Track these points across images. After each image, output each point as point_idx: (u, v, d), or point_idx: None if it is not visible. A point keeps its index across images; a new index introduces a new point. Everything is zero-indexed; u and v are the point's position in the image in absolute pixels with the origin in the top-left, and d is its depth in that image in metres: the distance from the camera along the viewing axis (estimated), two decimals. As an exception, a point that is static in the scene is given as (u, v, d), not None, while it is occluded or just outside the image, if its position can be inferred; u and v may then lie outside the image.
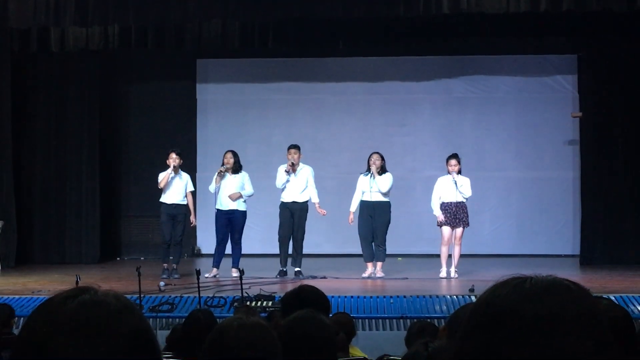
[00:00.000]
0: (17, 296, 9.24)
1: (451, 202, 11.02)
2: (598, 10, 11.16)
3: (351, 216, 11.28)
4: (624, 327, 3.01)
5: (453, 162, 11.06)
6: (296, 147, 11.40)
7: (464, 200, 11.06)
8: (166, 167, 11.35)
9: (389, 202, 11.18)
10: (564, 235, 13.84)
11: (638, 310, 8.82)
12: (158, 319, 8.60)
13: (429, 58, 14.18)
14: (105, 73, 13.98)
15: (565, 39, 13.57)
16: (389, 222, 11.17)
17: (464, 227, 11.03)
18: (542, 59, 14.04)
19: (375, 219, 11.11)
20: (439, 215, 11.03)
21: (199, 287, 8.48)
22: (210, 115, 14.47)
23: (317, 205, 11.33)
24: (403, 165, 13.70)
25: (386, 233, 11.13)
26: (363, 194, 11.18)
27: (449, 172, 11.09)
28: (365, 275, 11.08)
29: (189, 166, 13.27)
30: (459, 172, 11.08)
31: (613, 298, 8.37)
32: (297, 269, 11.20)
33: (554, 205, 13.97)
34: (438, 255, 11.19)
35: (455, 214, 11.00)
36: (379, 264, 11.14)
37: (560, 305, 1.18)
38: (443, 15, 11.07)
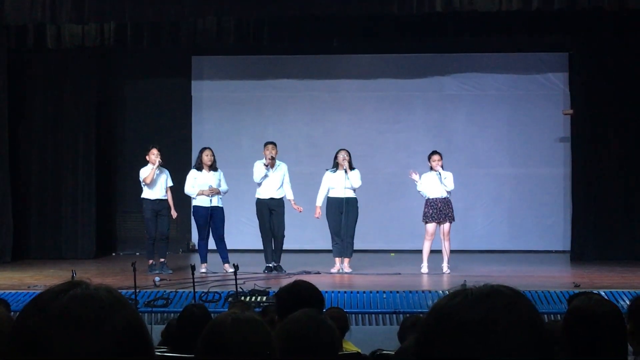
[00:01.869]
0: (13, 291, 9.29)
1: (437, 198, 11.11)
2: (589, 9, 11.27)
3: (318, 210, 11.27)
4: (614, 321, 3.07)
5: (436, 157, 11.17)
6: (273, 143, 11.46)
7: (448, 196, 11.16)
8: (146, 162, 11.40)
9: (357, 197, 11.23)
10: (555, 231, 13.92)
11: (628, 305, 8.90)
12: (153, 314, 8.68)
13: (422, 56, 14.26)
14: (101, 70, 14.03)
15: (556, 37, 13.62)
16: (357, 218, 11.21)
17: (450, 222, 11.13)
18: (534, 56, 14.11)
19: (345, 215, 11.12)
20: (416, 177, 11.10)
21: (193, 282, 8.54)
22: (205, 112, 14.52)
23: (292, 202, 11.36)
24: (396, 161, 13.78)
25: (355, 229, 11.17)
26: (330, 190, 11.24)
27: (431, 168, 11.19)
28: (334, 270, 11.10)
29: (184, 162, 13.35)
30: (442, 168, 11.19)
31: (603, 293, 8.45)
32: (277, 264, 11.25)
33: (545, 202, 14.05)
34: (432, 251, 11.22)
35: (441, 209, 11.08)
36: (347, 260, 11.19)
37: (496, 310, 1.29)
38: (436, 13, 11.15)
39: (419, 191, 11.21)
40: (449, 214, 11.11)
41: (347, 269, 11.14)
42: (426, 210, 11.18)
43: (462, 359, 1.27)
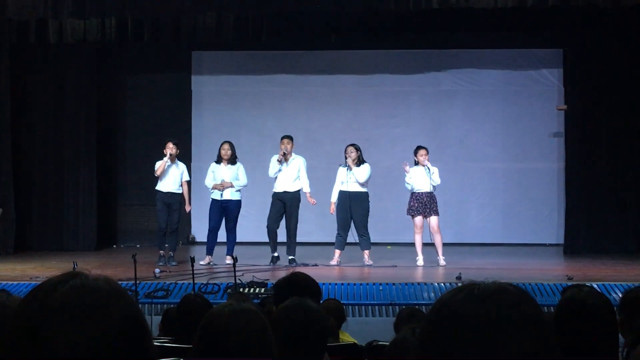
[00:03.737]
0: (15, 282, 9.37)
1: (423, 192, 11.25)
2: (583, 6, 11.40)
3: (332, 206, 11.46)
4: (606, 314, 3.13)
5: (423, 152, 11.32)
6: (289, 137, 11.61)
7: (433, 190, 11.31)
8: (163, 156, 11.58)
9: (366, 192, 11.36)
10: (548, 225, 14.02)
11: (619, 297, 9.05)
12: (153, 305, 8.82)
13: (418, 52, 14.35)
14: (102, 65, 14.12)
15: (551, 34, 13.71)
16: (368, 212, 11.33)
17: (436, 216, 11.27)
18: (529, 52, 14.19)
19: (353, 209, 11.28)
20: (407, 169, 11.24)
21: (193, 274, 8.64)
22: (205, 107, 14.64)
23: (308, 195, 11.51)
24: (392, 155, 13.87)
25: (367, 222, 11.29)
26: (342, 184, 11.41)
27: (417, 163, 11.33)
28: (333, 262, 11.23)
29: (184, 156, 13.46)
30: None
31: (595, 286, 8.55)
32: (290, 257, 11.38)
33: (539, 196, 14.15)
34: (426, 244, 11.34)
35: (426, 203, 11.24)
36: (366, 252, 11.32)
37: (501, 308, 1.28)
38: (433, 10, 11.28)
39: (407, 183, 11.35)
40: (434, 208, 11.26)
41: (367, 262, 11.25)
42: (412, 203, 11.32)
43: (463, 355, 1.25)
